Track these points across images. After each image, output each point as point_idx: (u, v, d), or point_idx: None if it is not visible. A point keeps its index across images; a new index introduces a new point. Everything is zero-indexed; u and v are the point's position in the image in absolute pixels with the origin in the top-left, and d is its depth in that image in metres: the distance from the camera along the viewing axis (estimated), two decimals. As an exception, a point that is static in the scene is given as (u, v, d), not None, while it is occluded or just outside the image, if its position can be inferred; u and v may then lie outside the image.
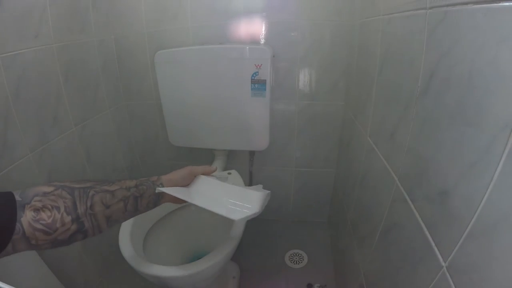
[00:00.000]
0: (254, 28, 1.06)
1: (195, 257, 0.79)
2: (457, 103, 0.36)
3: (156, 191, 0.55)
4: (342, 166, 1.16)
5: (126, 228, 0.84)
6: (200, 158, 1.33)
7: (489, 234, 0.30)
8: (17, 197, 0.39)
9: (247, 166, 1.33)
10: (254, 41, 1.08)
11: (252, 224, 1.29)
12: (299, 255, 1.28)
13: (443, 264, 0.37)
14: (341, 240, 1.09)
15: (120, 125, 1.27)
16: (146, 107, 1.28)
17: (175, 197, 0.58)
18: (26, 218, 0.38)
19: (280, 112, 1.19)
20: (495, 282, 0.29)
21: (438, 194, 0.40)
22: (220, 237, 0.82)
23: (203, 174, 0.66)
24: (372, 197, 0.72)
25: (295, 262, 1.25)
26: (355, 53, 0.94)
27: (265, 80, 0.98)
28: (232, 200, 0.61)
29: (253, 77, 0.98)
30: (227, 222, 0.88)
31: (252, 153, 1.29)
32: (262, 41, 1.08)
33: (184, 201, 0.60)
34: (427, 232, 0.42)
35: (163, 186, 0.57)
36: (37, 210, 0.39)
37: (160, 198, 0.57)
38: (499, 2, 0.29)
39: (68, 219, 0.42)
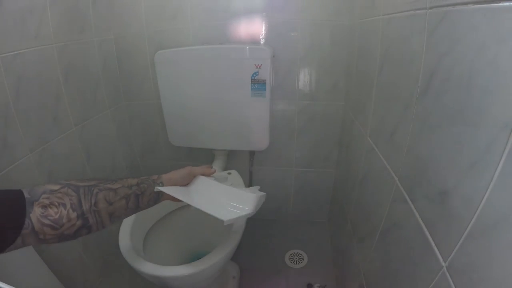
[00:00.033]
0: (254, 28, 1.06)
1: (195, 257, 0.79)
2: (457, 103, 0.36)
3: (155, 190, 0.58)
4: (342, 166, 1.16)
5: (126, 228, 0.84)
6: (200, 158, 1.33)
7: (489, 234, 0.30)
8: (26, 195, 0.41)
9: (247, 166, 1.33)
10: (254, 41, 1.08)
11: (252, 224, 1.29)
12: (299, 255, 1.28)
13: (443, 264, 0.37)
14: (341, 240, 1.09)
15: (120, 125, 1.27)
16: (146, 107, 1.28)
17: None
18: (35, 214, 0.40)
19: (280, 112, 1.19)
20: (495, 282, 0.29)
21: (438, 194, 0.40)
22: (220, 237, 0.82)
23: (202, 174, 0.68)
24: (372, 197, 0.72)
25: (295, 262, 1.25)
26: (355, 53, 0.94)
27: (265, 80, 0.98)
28: (226, 201, 0.63)
29: (253, 77, 0.98)
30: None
31: (252, 153, 1.29)
32: (262, 41, 1.08)
33: None
34: (427, 232, 0.42)
35: (163, 185, 0.60)
36: (45, 206, 0.42)
37: (160, 196, 0.60)
38: (499, 2, 0.29)
39: (73, 215, 0.44)
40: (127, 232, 0.83)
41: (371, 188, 0.74)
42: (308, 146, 1.26)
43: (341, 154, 1.20)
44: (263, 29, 1.06)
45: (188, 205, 1.03)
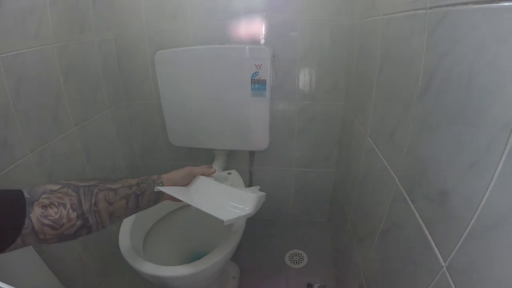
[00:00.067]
0: (254, 28, 1.06)
1: (195, 257, 0.79)
2: (457, 103, 0.36)
3: (155, 190, 0.58)
4: (342, 166, 1.16)
5: (126, 228, 0.84)
6: (200, 158, 1.33)
7: (489, 234, 0.30)
8: (26, 195, 0.41)
9: (247, 166, 1.33)
10: (254, 41, 1.08)
11: (252, 224, 1.29)
12: (299, 255, 1.28)
13: (443, 264, 0.37)
14: (341, 240, 1.09)
15: (120, 125, 1.27)
16: (146, 107, 1.28)
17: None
18: (35, 214, 0.40)
19: (280, 112, 1.19)
20: (495, 282, 0.29)
21: (438, 194, 0.40)
22: (220, 237, 0.82)
23: (202, 174, 0.68)
24: (372, 197, 0.72)
25: (295, 262, 1.25)
26: (355, 53, 0.94)
27: (265, 80, 0.98)
28: (226, 201, 0.63)
29: (253, 77, 0.98)
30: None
31: (252, 153, 1.29)
32: (262, 41, 1.08)
33: None
34: (427, 232, 0.42)
35: (163, 185, 0.60)
36: (45, 206, 0.42)
37: (160, 196, 0.60)
38: (499, 2, 0.29)
39: (73, 215, 0.44)
40: (127, 232, 0.83)
41: (371, 188, 0.74)
42: (308, 146, 1.26)
43: (341, 154, 1.20)
44: (263, 29, 1.06)
45: (188, 205, 1.03)
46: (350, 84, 1.03)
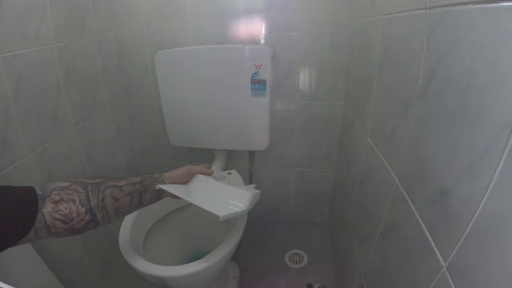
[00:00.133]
0: (254, 28, 1.06)
1: (195, 257, 0.79)
2: (457, 103, 0.36)
3: (156, 188, 0.61)
4: (342, 166, 1.16)
5: (126, 228, 0.84)
6: (200, 158, 1.33)
7: (489, 234, 0.30)
8: (38, 191, 0.44)
9: (247, 166, 1.33)
10: (254, 41, 1.08)
11: (252, 224, 1.29)
12: (299, 255, 1.28)
13: (443, 264, 0.37)
14: (341, 240, 1.09)
15: (120, 125, 1.27)
16: (146, 107, 1.28)
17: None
18: (47, 209, 0.44)
19: (280, 112, 1.19)
20: (495, 282, 0.29)
21: (438, 194, 0.40)
22: (220, 237, 0.82)
23: (200, 173, 0.72)
24: (372, 197, 0.72)
25: (295, 262, 1.25)
26: (355, 53, 0.94)
27: (265, 80, 0.98)
28: (223, 199, 0.67)
29: (253, 77, 0.98)
30: (227, 222, 0.88)
31: (252, 153, 1.29)
32: (262, 41, 1.08)
33: None
34: (427, 232, 0.42)
35: (164, 183, 0.64)
36: (56, 202, 0.45)
37: (161, 193, 0.63)
38: (499, 2, 0.29)
39: (82, 210, 0.48)
40: (127, 232, 0.83)
41: (371, 188, 0.74)
42: (308, 146, 1.26)
43: (341, 154, 1.20)
44: (263, 29, 1.06)
45: (188, 205, 1.04)
46: (350, 84, 1.03)
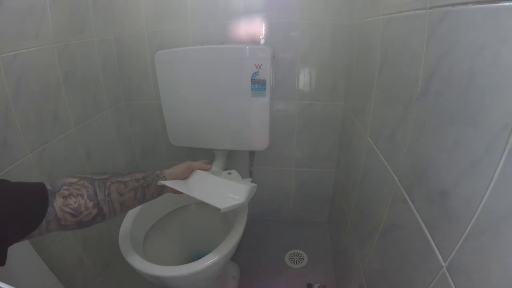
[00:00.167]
0: (254, 28, 1.06)
1: (195, 257, 0.79)
2: (457, 103, 0.36)
3: (158, 184, 0.64)
4: (342, 166, 1.16)
5: (126, 228, 0.84)
6: (200, 158, 1.30)
7: (489, 234, 0.30)
8: (48, 186, 0.48)
9: (247, 166, 1.33)
10: (254, 41, 1.08)
11: (252, 224, 1.29)
12: (299, 255, 1.28)
13: (443, 264, 0.37)
14: (341, 240, 1.09)
15: (120, 125, 1.27)
16: (146, 107, 1.28)
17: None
18: (57, 203, 0.47)
19: (280, 112, 1.19)
20: (495, 282, 0.29)
21: (438, 194, 0.40)
22: (220, 237, 0.82)
23: (199, 169, 0.75)
24: (372, 197, 0.72)
25: (295, 262, 1.25)
26: (355, 53, 0.94)
27: (265, 80, 0.98)
28: (222, 192, 0.71)
29: (253, 77, 0.98)
30: (227, 222, 0.88)
31: (252, 153, 1.29)
32: (262, 41, 1.08)
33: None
34: (427, 232, 0.42)
35: (165, 179, 0.67)
36: (65, 197, 0.48)
37: (163, 188, 0.66)
38: (499, 2, 0.29)
39: (90, 204, 0.51)
40: (127, 232, 0.83)
41: (371, 188, 0.74)
42: (308, 146, 1.26)
43: (341, 154, 1.20)
44: (263, 29, 1.06)
45: (188, 205, 1.04)
46: (350, 84, 1.03)
